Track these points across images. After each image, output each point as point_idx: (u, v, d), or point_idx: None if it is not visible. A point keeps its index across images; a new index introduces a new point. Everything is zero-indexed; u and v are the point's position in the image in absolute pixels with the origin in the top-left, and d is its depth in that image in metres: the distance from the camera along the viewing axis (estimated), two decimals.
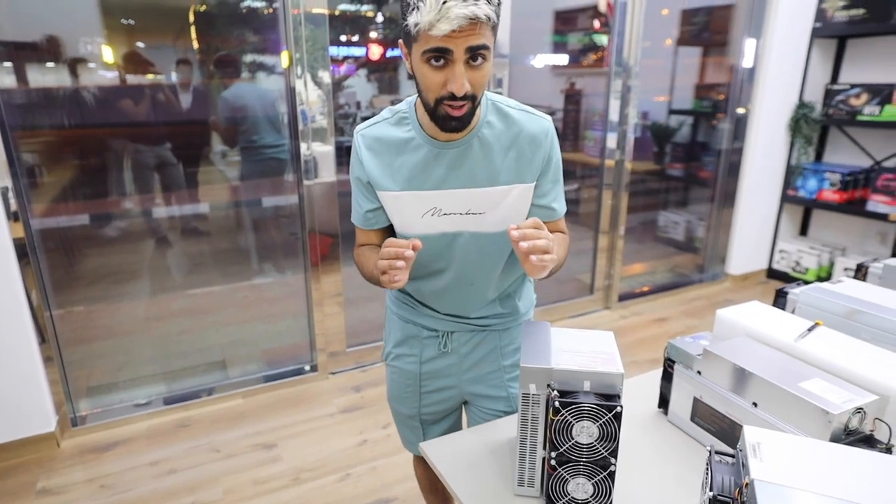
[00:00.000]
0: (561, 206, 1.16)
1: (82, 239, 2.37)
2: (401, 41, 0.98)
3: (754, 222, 3.78)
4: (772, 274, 3.92)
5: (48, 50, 2.11)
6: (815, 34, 3.46)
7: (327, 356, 2.64)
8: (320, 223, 2.50)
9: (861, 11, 3.24)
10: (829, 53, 3.57)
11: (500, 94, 1.53)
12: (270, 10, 2.47)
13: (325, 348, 2.62)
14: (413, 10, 0.89)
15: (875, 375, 0.89)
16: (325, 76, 2.34)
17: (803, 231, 3.93)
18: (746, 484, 0.60)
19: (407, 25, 0.91)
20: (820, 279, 3.61)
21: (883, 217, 3.23)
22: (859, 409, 0.83)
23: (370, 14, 3.94)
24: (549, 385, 0.85)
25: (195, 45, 2.44)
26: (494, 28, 0.93)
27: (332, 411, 2.36)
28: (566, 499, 0.86)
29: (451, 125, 0.98)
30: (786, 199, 3.76)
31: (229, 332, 2.70)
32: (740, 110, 3.58)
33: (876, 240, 3.54)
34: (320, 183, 2.45)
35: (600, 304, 3.44)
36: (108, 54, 2.25)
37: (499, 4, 0.92)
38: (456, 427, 1.35)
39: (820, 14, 3.42)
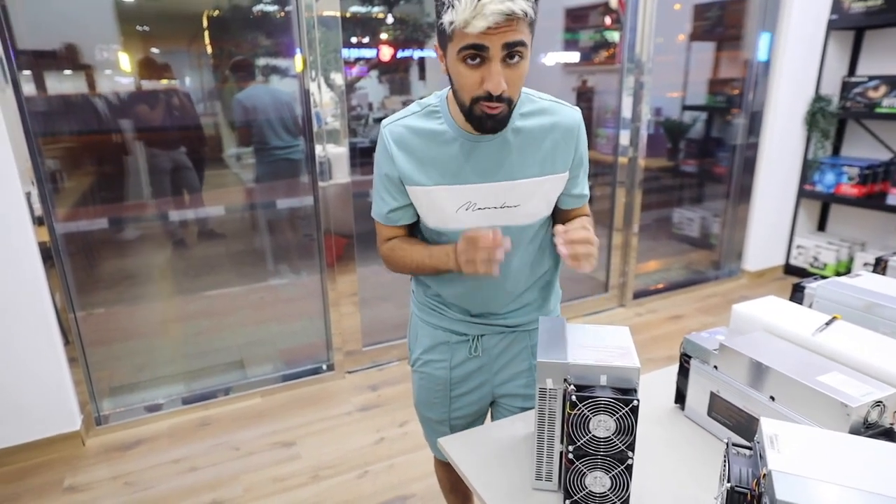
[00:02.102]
0: (588, 191, 1.19)
1: (102, 242, 2.42)
2: (436, 44, 0.99)
3: (770, 218, 3.74)
4: (789, 270, 3.88)
5: (66, 57, 2.16)
6: (832, 26, 3.41)
7: (344, 355, 2.66)
8: (335, 224, 2.53)
9: (879, 2, 3.19)
10: (845, 45, 3.52)
11: None
12: (283, 14, 2.51)
13: (341, 347, 2.65)
14: (448, 8, 0.88)
15: (894, 368, 0.89)
16: (339, 78, 2.37)
17: (821, 226, 3.88)
18: (764, 475, 0.61)
19: (442, 24, 0.91)
20: (839, 275, 3.56)
21: None
22: (878, 403, 0.83)
23: (381, 16, 3.97)
24: (565, 380, 0.86)
25: (209, 49, 2.48)
26: (532, 24, 0.92)
27: (349, 410, 2.39)
28: (584, 493, 0.87)
29: (487, 125, 0.97)
30: (803, 193, 3.71)
31: (247, 333, 2.74)
32: (755, 107, 3.55)
33: None
34: (335, 184, 2.48)
35: (615, 301, 3.43)
36: (125, 61, 2.30)
37: (536, 1, 0.91)
38: None
39: (836, 5, 3.38)
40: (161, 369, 2.52)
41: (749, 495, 0.62)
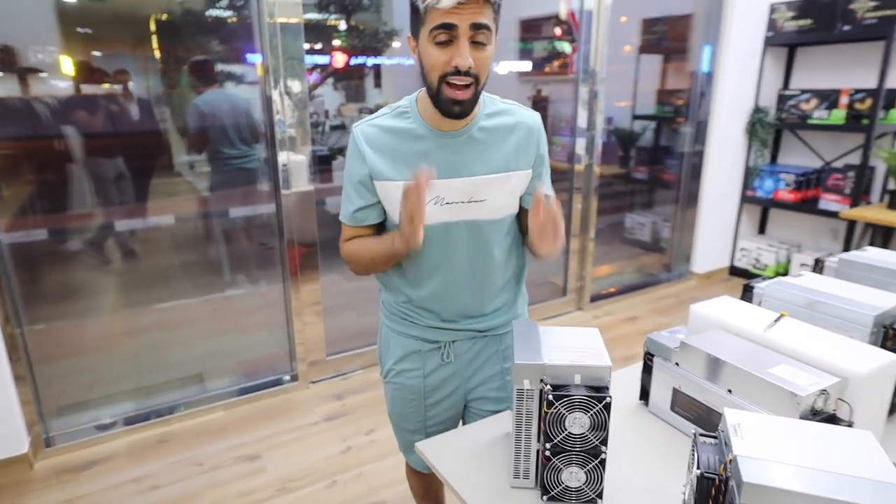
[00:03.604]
0: (552, 191, 1.24)
1: (48, 254, 2.31)
2: (408, 36, 1.05)
3: (716, 222, 3.94)
4: (734, 271, 4.09)
5: (1, 59, 2.07)
6: (768, 43, 3.65)
7: (307, 365, 2.63)
8: (297, 233, 2.50)
9: (808, 21, 3.43)
10: (780, 61, 3.76)
11: None
12: (236, 19, 2.48)
13: (305, 357, 2.62)
14: None
15: (836, 360, 0.97)
16: (301, 85, 2.36)
17: (762, 229, 4.12)
18: (730, 460, 0.66)
19: (415, 6, 0.98)
20: (778, 275, 3.78)
21: (834, 214, 3.42)
22: (823, 391, 0.91)
23: (338, 23, 3.97)
24: (542, 380, 0.90)
25: (160, 54, 2.42)
26: (497, 12, 1.00)
27: (315, 420, 2.36)
28: (560, 488, 0.91)
29: (454, 110, 1.02)
30: (745, 199, 3.94)
31: (205, 345, 2.67)
32: (700, 117, 3.75)
33: (828, 236, 3.74)
34: (297, 192, 2.46)
35: (573, 305, 3.53)
36: (67, 64, 2.21)
37: None
38: None
39: (771, 24, 3.61)
40: (115, 385, 2.42)
41: (717, 480, 0.67)
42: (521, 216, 1.25)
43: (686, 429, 1.09)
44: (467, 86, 1.00)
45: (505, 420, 1.15)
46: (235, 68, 2.70)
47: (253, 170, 2.82)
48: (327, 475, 2.02)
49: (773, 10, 3.59)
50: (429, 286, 1.18)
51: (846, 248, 3.40)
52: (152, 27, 2.38)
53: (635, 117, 4.26)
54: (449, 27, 0.96)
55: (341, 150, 3.85)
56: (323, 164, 3.51)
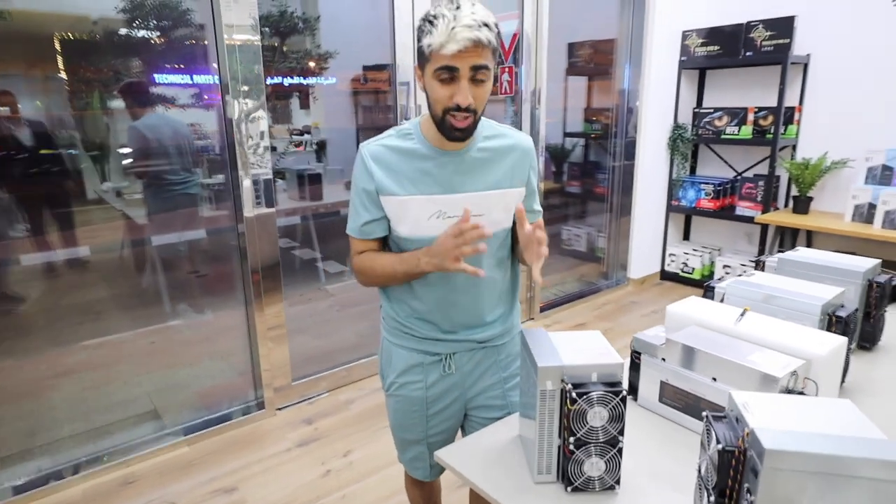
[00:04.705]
0: (541, 207, 1.37)
1: None
2: (415, 65, 1.15)
3: (647, 231, 4.25)
4: (664, 276, 4.42)
5: None
6: (682, 66, 4.02)
7: (273, 392, 2.58)
8: (261, 256, 2.46)
9: (716, 48, 3.83)
10: (693, 82, 4.16)
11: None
12: (162, 40, 2.42)
13: (270, 384, 2.56)
14: (427, 33, 1.06)
15: (799, 345, 1.13)
16: (260, 107, 2.35)
17: (686, 236, 4.49)
18: (748, 433, 0.77)
19: (421, 47, 1.08)
20: (704, 277, 4.14)
21: (749, 220, 3.80)
22: (794, 372, 1.06)
23: (274, 44, 3.94)
24: (562, 380, 0.98)
25: (70, 74, 2.28)
26: (495, 52, 1.10)
27: (287, 446, 2.32)
28: (583, 478, 0.99)
29: (455, 135, 1.12)
30: (671, 208, 4.28)
31: (158, 380, 2.53)
32: (628, 134, 4.05)
33: (744, 240, 4.14)
34: (258, 214, 2.43)
35: (525, 315, 3.68)
36: None
37: (498, 34, 1.10)
38: None
39: (684, 49, 3.99)
40: (57, 431, 2.24)
41: (736, 452, 0.78)
42: (514, 230, 1.35)
43: (675, 418, 1.21)
44: (467, 117, 1.10)
45: (512, 424, 1.23)
46: (183, 91, 2.63)
47: (194, 195, 2.74)
48: (310, 500, 2.00)
49: (684, 37, 3.97)
50: (431, 297, 1.25)
51: (761, 250, 3.79)
52: (82, 46, 2.25)
53: (566, 134, 4.53)
54: (451, 69, 1.06)
55: (280, 173, 3.81)
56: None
